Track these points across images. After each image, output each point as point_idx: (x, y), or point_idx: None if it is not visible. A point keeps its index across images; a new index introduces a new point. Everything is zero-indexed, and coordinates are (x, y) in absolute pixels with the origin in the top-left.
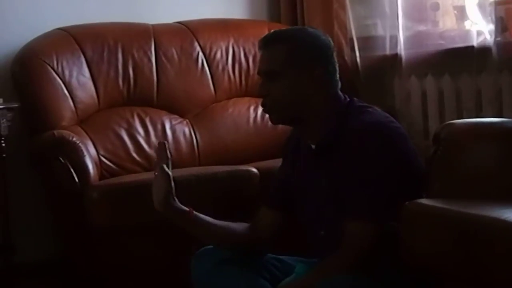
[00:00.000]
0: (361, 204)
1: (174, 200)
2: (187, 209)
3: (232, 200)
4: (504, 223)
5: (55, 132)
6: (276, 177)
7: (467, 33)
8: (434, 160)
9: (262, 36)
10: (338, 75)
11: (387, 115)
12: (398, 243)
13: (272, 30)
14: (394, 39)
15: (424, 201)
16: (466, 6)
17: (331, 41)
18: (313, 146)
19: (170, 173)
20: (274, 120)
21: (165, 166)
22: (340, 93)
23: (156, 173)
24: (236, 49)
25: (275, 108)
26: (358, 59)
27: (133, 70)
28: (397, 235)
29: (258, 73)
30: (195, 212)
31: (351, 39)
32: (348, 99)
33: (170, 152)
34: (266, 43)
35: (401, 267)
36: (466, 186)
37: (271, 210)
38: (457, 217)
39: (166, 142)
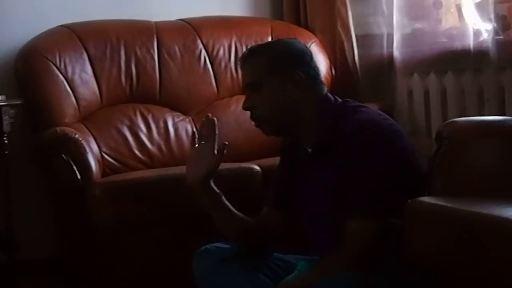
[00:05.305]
0: (359, 202)
1: (211, 180)
2: (218, 191)
3: (235, 197)
4: (507, 221)
5: (58, 129)
6: (275, 178)
7: (470, 31)
8: (436, 158)
9: (265, 33)
10: (321, 79)
11: (381, 113)
12: (399, 241)
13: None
14: (391, 37)
15: (426, 199)
16: (468, 5)
17: (308, 47)
18: (309, 150)
19: (223, 155)
20: (266, 131)
21: (225, 146)
22: (329, 95)
23: (200, 143)
24: (238, 46)
25: (264, 118)
26: (357, 57)
27: (136, 67)
28: (399, 233)
29: (242, 90)
30: (223, 197)
31: (351, 37)
32: (339, 101)
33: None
34: (245, 58)
35: (402, 264)
36: (468, 184)
37: (272, 210)
38: (459, 215)
39: (216, 119)
